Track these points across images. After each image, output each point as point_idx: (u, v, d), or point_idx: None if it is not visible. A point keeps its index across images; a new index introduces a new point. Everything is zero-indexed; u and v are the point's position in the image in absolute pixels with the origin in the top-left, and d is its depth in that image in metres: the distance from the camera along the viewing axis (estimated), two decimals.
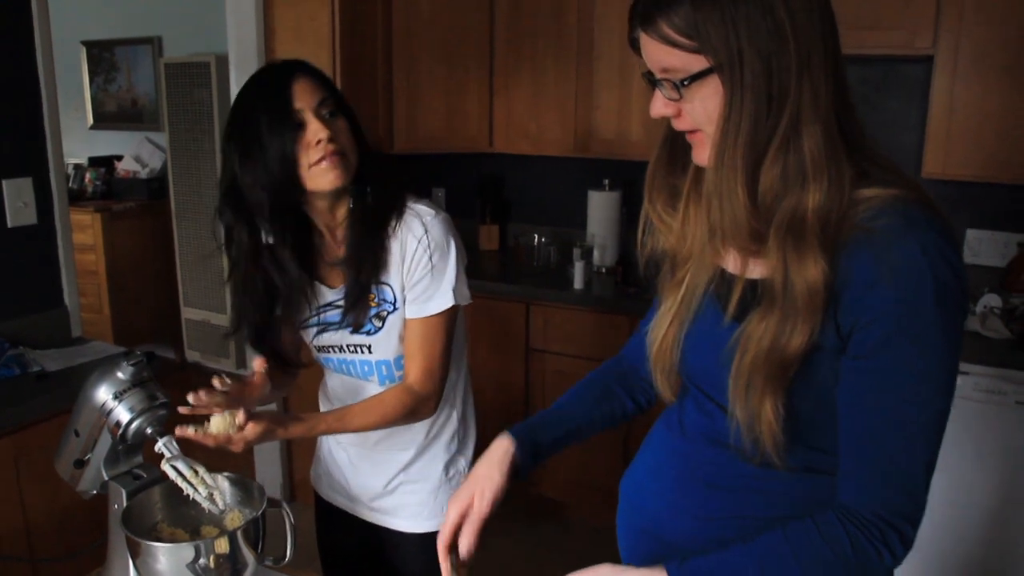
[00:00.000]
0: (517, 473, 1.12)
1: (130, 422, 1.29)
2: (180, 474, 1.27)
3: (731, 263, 1.01)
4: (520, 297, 3.09)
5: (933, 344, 0.87)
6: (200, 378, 1.33)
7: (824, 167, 0.88)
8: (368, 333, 1.49)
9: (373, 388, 1.54)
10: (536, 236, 3.43)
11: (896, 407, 0.88)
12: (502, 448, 1.12)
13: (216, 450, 1.31)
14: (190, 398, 1.27)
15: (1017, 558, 2.56)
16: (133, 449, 1.37)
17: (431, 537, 1.53)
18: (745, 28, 0.85)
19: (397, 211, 1.46)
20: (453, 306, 1.47)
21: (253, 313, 1.48)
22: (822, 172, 0.88)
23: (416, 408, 1.46)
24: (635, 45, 0.95)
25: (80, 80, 5.42)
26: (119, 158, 5.22)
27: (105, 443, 1.33)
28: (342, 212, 1.46)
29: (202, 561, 1.22)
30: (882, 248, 0.86)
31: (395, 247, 1.45)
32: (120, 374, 1.30)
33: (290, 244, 1.43)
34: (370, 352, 1.51)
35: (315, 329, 1.53)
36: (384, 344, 1.50)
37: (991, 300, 2.68)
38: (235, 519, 1.35)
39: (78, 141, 5.30)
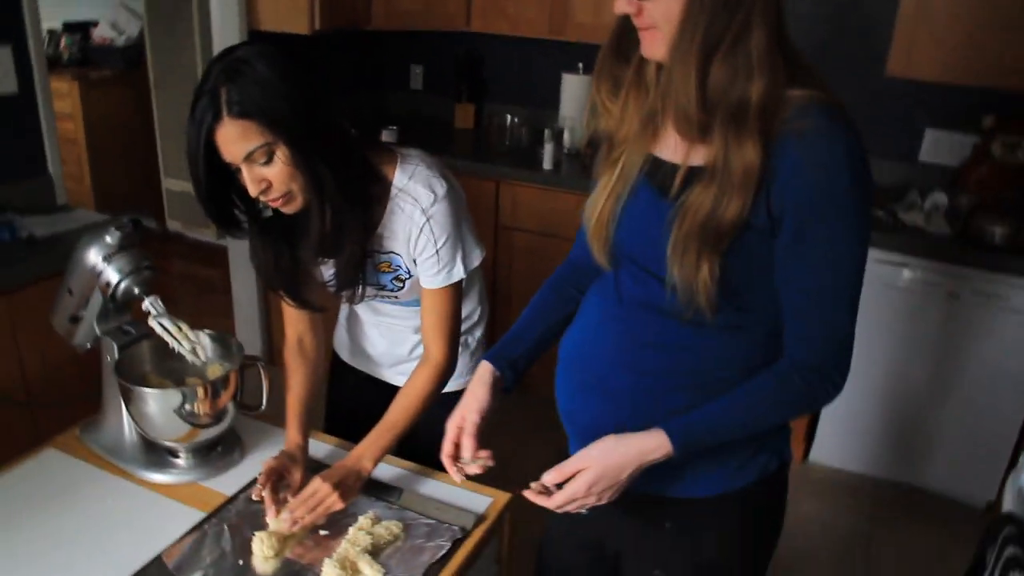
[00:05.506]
0: (506, 389, 1.29)
1: (119, 282, 1.42)
2: (165, 329, 1.41)
3: (668, 151, 1.14)
4: (491, 176, 3.19)
5: (851, 225, 1.04)
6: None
7: (767, 65, 1.01)
8: (392, 291, 1.55)
9: (398, 308, 1.61)
10: (509, 116, 3.49)
11: (824, 280, 1.06)
12: (484, 370, 1.28)
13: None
14: (254, 495, 1.36)
15: (942, 437, 2.81)
16: (122, 307, 1.50)
17: (444, 397, 1.53)
18: None
19: (377, 205, 1.42)
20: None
21: (267, 275, 1.47)
22: (764, 69, 1.01)
23: (444, 377, 1.52)
24: None
25: None
26: (95, 24, 5.12)
27: (96, 301, 1.46)
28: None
29: (187, 407, 1.38)
30: (808, 142, 1.01)
31: (397, 227, 1.44)
32: (108, 238, 1.42)
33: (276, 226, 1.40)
34: (398, 299, 1.58)
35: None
36: (410, 292, 1.55)
37: (939, 199, 2.80)
38: (216, 371, 1.50)
39: (51, 5, 5.14)
